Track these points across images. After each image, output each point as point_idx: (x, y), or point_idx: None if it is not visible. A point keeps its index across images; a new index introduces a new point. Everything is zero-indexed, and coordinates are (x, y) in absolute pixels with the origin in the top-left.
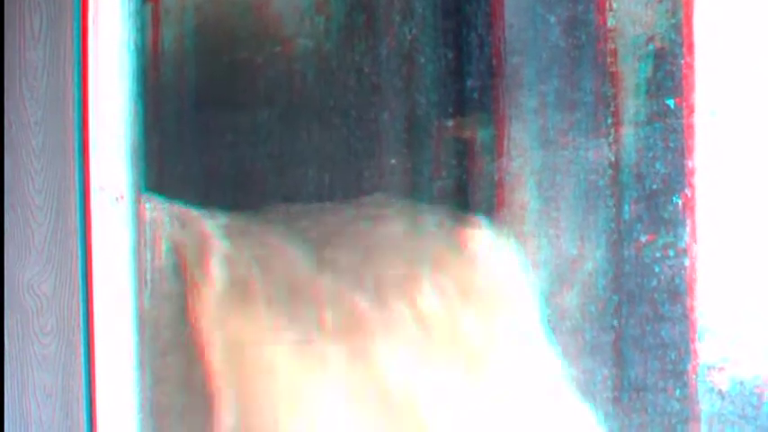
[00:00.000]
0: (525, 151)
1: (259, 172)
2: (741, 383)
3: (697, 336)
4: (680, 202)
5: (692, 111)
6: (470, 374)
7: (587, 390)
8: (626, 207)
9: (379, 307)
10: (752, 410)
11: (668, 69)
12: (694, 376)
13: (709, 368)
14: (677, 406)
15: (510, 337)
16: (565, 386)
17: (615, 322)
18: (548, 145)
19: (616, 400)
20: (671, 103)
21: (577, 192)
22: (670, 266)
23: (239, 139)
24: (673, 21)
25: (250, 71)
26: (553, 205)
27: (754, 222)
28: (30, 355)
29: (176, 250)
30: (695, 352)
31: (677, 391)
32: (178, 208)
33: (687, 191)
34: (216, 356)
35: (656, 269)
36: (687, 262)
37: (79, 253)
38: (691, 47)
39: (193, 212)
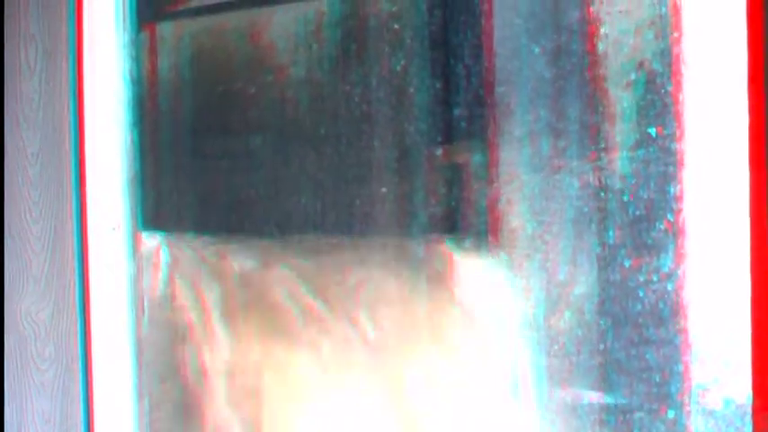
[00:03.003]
0: (515, 178)
1: (252, 200)
2: (730, 404)
3: (689, 358)
4: (670, 227)
5: (681, 136)
6: (458, 398)
7: (577, 414)
8: (619, 232)
9: (369, 333)
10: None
11: (659, 95)
12: (686, 398)
13: (700, 390)
14: (671, 429)
15: (500, 364)
16: (553, 411)
17: (604, 345)
18: (538, 171)
19: (607, 424)
20: (659, 129)
21: (567, 217)
22: (658, 290)
23: (234, 166)
24: (661, 46)
25: (244, 99)
26: (544, 230)
27: (741, 245)
28: (28, 381)
29: (173, 278)
30: (687, 374)
31: (669, 414)
32: (174, 235)
33: (679, 215)
34: (214, 382)
35: (644, 293)
36: (676, 285)
37: (77, 281)
38: (679, 73)
39: (189, 240)
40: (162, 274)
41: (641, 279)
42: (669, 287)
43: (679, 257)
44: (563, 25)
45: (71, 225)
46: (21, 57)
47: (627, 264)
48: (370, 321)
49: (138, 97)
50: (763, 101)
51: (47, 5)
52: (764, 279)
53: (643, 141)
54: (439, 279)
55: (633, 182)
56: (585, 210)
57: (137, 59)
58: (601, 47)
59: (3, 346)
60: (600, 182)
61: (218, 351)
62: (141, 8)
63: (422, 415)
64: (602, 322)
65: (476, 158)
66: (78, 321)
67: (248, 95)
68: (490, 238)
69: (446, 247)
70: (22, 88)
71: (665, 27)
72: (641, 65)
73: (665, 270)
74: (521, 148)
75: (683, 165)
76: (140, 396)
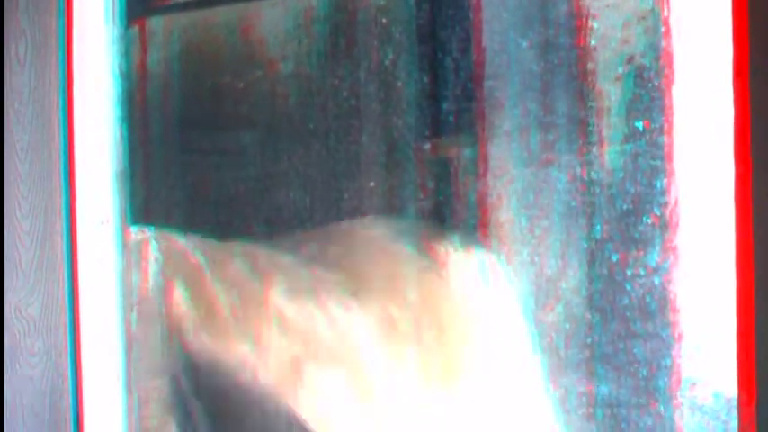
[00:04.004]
0: (504, 172)
1: (242, 194)
2: (717, 397)
3: (676, 352)
4: (657, 221)
5: (668, 130)
6: (449, 391)
7: (566, 407)
8: (607, 226)
9: (361, 324)
10: (721, 425)
11: (646, 89)
12: (673, 392)
13: (687, 383)
14: (659, 422)
15: (492, 354)
16: (545, 403)
17: (592, 339)
18: (527, 165)
19: (595, 418)
20: (646, 123)
21: (556, 211)
22: (646, 284)
23: (222, 161)
24: (649, 40)
25: (234, 94)
26: (533, 224)
27: (727, 239)
28: (17, 376)
29: (161, 273)
30: (674, 368)
31: (656, 407)
32: (163, 230)
33: (666, 209)
34: (202, 377)
35: (632, 286)
36: (663, 279)
37: (66, 276)
38: (669, 67)
39: (178, 235)
40: (151, 269)
41: (629, 273)
42: (656, 281)
43: (666, 251)
44: (551, 19)
45: (60, 220)
46: (11, 51)
47: (614, 258)
48: (360, 315)
49: (127, 92)
50: (748, 95)
51: (37, 0)
52: (749, 273)
53: (631, 135)
54: (428, 273)
55: (621, 176)
56: (574, 204)
57: (126, 54)
58: (589, 41)
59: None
60: (588, 176)
61: (209, 344)
62: (131, 3)
63: (411, 407)
64: (589, 316)
65: (464, 152)
66: (67, 316)
67: (237, 90)
68: (479, 232)
69: (435, 241)
70: (11, 83)
71: (653, 21)
72: (629, 59)
73: (653, 264)
74: (509, 142)
75: (670, 159)
76: (129, 391)
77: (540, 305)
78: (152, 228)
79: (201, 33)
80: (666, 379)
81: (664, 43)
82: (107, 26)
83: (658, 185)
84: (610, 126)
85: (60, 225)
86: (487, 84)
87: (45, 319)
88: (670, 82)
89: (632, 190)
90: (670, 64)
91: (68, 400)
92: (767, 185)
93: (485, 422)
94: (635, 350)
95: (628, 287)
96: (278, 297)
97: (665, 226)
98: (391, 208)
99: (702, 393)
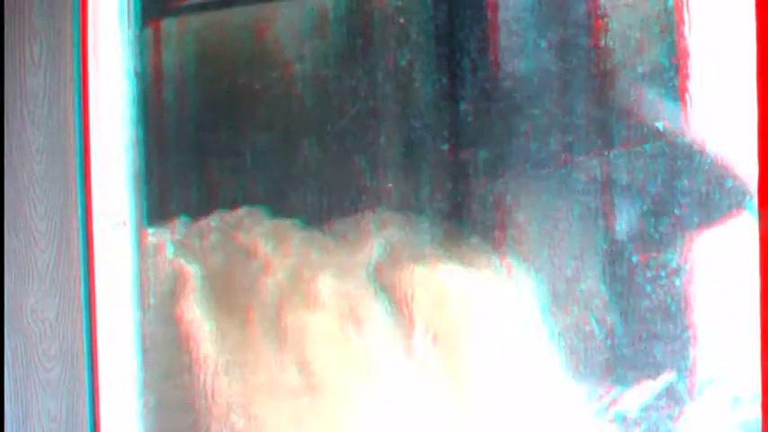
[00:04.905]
0: (521, 172)
1: (258, 195)
2: (738, 400)
3: (696, 353)
4: (678, 222)
5: (688, 130)
6: (467, 392)
7: (584, 409)
8: (626, 227)
9: (378, 319)
10: (742, 427)
11: (666, 89)
12: (694, 394)
13: (707, 385)
14: (679, 424)
15: (510, 356)
16: (565, 405)
17: (611, 341)
18: (544, 166)
19: (615, 420)
20: (669, 122)
21: (575, 212)
22: (665, 285)
23: (239, 162)
24: (668, 39)
25: (250, 95)
26: (552, 225)
27: (749, 239)
28: (33, 379)
29: (178, 275)
30: (694, 370)
31: (676, 409)
32: (179, 231)
33: (686, 210)
34: (217, 377)
35: (652, 288)
36: (688, 280)
37: (82, 278)
38: (689, 66)
39: (195, 236)
40: (167, 270)
41: (649, 274)
42: (677, 282)
43: (686, 252)
44: (569, 19)
45: (76, 222)
46: (26, 52)
47: (634, 259)
48: (375, 313)
49: (143, 93)
50: None
51: (52, 1)
52: None
53: (650, 136)
54: (445, 275)
55: (640, 176)
56: (593, 205)
57: (142, 55)
58: (607, 41)
59: (3, 343)
60: (607, 177)
61: (226, 347)
62: (146, 4)
63: (427, 408)
64: (609, 318)
65: (482, 153)
66: (84, 318)
67: (254, 91)
68: (497, 234)
69: (454, 242)
70: (26, 84)
71: (672, 20)
72: (648, 59)
73: (673, 265)
74: (527, 142)
75: (690, 159)
76: (146, 393)
77: (558, 307)
78: (168, 229)
79: (217, 34)
80: (687, 381)
81: (683, 42)
82: (122, 27)
83: (678, 186)
84: (629, 126)
85: (77, 227)
86: (505, 84)
87: (61, 322)
88: (690, 81)
89: (652, 190)
90: (690, 63)
91: (85, 402)
92: None
93: (504, 424)
94: (655, 352)
95: (648, 289)
96: (295, 297)
97: (685, 227)
98: (408, 209)
99: (723, 395)
